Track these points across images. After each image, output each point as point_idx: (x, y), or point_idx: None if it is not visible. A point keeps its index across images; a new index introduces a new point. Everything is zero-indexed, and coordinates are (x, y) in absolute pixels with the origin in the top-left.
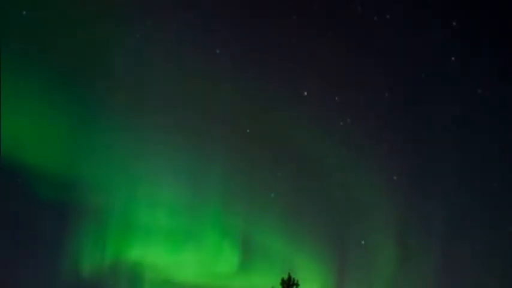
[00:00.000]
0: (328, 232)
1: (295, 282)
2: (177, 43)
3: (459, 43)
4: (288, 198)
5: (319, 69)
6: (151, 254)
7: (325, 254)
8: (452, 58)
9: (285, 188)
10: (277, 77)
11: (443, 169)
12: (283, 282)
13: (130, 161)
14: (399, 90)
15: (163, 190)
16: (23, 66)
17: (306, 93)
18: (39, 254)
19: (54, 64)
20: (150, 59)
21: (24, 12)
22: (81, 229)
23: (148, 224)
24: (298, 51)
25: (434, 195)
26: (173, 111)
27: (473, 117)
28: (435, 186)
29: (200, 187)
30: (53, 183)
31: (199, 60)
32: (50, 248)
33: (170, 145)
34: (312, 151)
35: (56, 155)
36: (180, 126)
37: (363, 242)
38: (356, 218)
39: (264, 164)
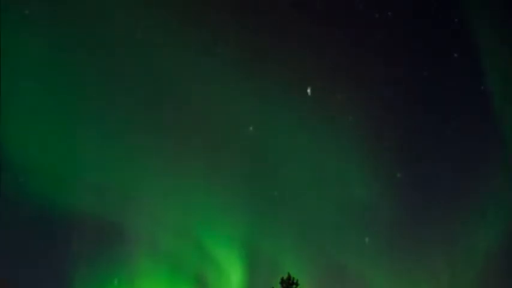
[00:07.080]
0: (330, 231)
1: (295, 281)
2: (177, 43)
3: (461, 40)
4: (291, 196)
5: (322, 67)
6: None
7: (325, 253)
8: (455, 55)
9: (287, 185)
10: (281, 75)
11: (445, 167)
12: (282, 281)
13: (125, 161)
14: (402, 88)
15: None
16: (24, 66)
17: (309, 91)
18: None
19: (56, 64)
20: (151, 60)
21: (26, 11)
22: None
23: None
24: (301, 49)
25: (436, 194)
26: (172, 111)
27: (476, 114)
28: (437, 184)
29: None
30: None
31: (200, 60)
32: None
33: (168, 144)
34: (314, 148)
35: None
36: (180, 125)
37: (366, 240)
38: (359, 216)
39: (266, 161)
